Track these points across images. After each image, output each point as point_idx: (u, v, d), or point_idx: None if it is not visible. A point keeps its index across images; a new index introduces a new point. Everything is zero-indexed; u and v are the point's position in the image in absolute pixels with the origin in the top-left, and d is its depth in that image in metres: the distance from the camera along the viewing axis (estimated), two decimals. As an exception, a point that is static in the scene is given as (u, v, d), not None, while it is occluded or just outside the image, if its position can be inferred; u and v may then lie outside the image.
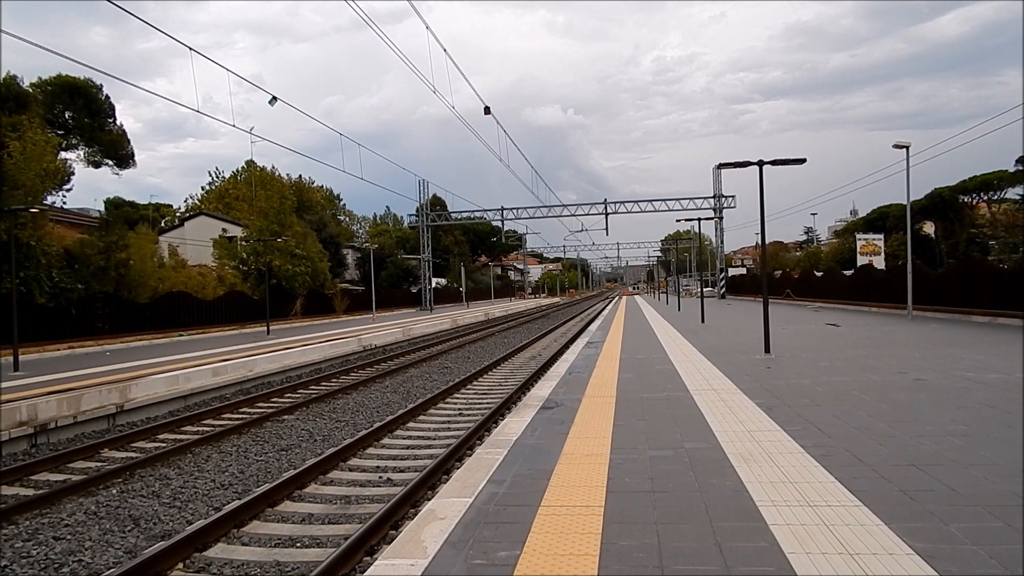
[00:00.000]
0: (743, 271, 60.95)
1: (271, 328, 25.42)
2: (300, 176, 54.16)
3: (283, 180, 48.54)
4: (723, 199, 45.24)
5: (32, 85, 33.78)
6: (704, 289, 32.57)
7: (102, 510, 6.20)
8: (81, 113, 35.17)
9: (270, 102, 15.21)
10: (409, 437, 9.13)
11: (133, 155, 38.09)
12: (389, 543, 4.04)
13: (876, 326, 18.41)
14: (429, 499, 5.37)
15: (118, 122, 37.63)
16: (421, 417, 10.32)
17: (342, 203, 62.69)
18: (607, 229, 50.75)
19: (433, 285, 51.66)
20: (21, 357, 14.22)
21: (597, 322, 25.87)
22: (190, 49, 11.31)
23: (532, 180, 57.76)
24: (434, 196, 57.80)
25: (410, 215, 54.92)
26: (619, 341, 15.85)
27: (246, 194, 45.64)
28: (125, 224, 28.13)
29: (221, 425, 10.02)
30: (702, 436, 5.84)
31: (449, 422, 9.95)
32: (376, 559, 3.62)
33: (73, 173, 32.72)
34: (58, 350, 19.75)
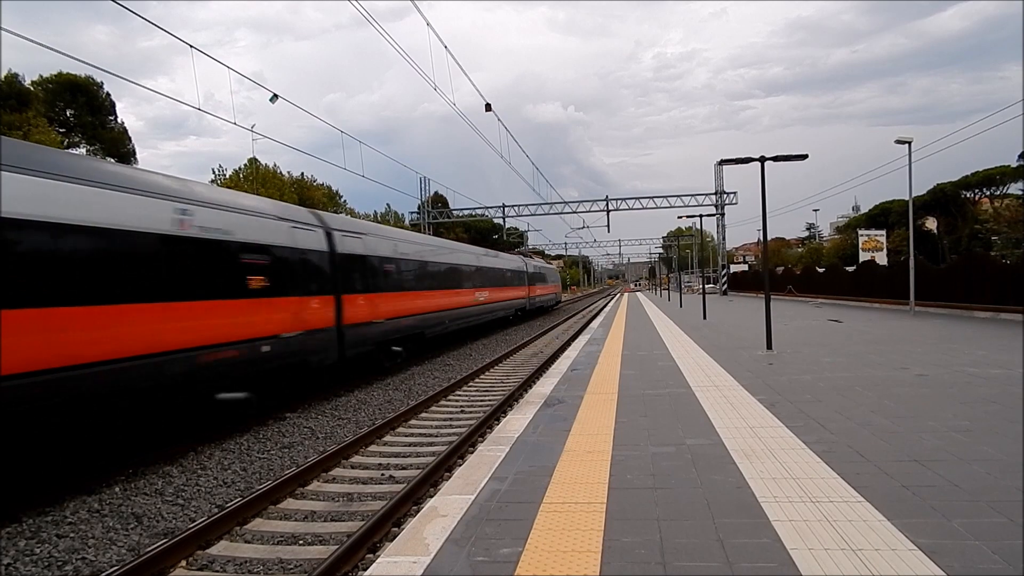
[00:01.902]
0: (745, 267, 60.82)
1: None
2: (302, 174, 54.17)
3: (283, 178, 48.55)
4: (725, 195, 45.09)
5: (33, 83, 33.83)
6: (706, 285, 32.51)
7: (105, 508, 6.21)
8: (82, 111, 35.24)
9: (271, 99, 15.14)
10: (411, 434, 9.14)
11: (135, 152, 38.24)
12: (392, 540, 4.05)
13: (878, 322, 18.37)
14: (431, 496, 5.38)
15: (119, 120, 37.72)
16: (423, 414, 10.33)
17: (343, 200, 62.63)
18: (608, 226, 50.72)
19: (435, 282, 51.46)
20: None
21: (599, 319, 25.86)
22: (191, 47, 11.27)
23: (533, 177, 57.72)
24: (435, 193, 57.79)
25: (412, 212, 54.91)
26: (621, 338, 15.84)
27: (248, 192, 45.62)
28: None
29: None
30: (704, 432, 5.83)
31: (451, 419, 9.96)
32: (379, 556, 3.63)
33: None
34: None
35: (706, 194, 45.38)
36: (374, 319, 13.88)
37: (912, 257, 20.89)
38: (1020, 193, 44.32)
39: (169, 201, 8.18)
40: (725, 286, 48.43)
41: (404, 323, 15.66)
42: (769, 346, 12.07)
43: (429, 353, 18.07)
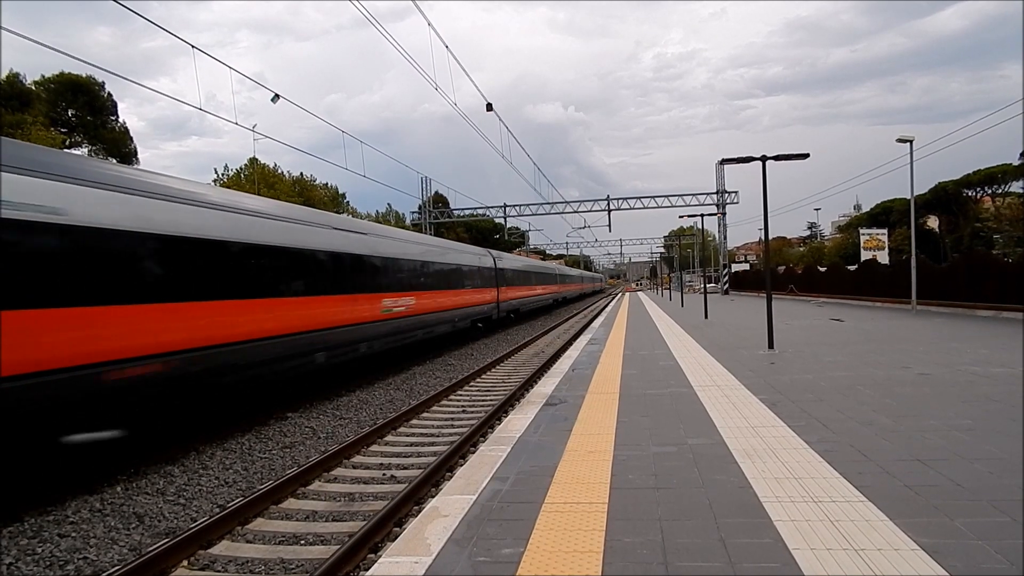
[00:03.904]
0: (746, 267, 60.76)
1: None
2: (301, 174, 54.22)
3: (284, 178, 48.59)
4: (726, 195, 45.05)
5: (35, 83, 33.86)
6: (707, 285, 32.49)
7: (107, 507, 6.22)
8: (84, 111, 35.24)
9: (273, 99, 15.15)
10: (413, 434, 9.14)
11: (136, 153, 38.22)
12: (393, 540, 4.04)
13: (880, 321, 18.35)
14: (433, 496, 5.39)
15: (120, 120, 37.74)
16: (424, 414, 10.33)
17: (346, 201, 62.64)
18: (610, 225, 50.75)
19: (436, 282, 51.64)
20: None
21: (600, 319, 25.85)
22: (193, 47, 11.25)
23: (534, 177, 57.51)
24: (436, 193, 57.73)
25: (412, 212, 54.90)
26: (622, 337, 15.83)
27: (250, 192, 45.70)
28: None
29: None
30: (706, 432, 5.83)
31: (452, 419, 9.95)
32: (380, 556, 3.62)
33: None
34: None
35: (707, 193, 45.34)
36: (505, 300, 27.28)
37: (914, 256, 20.86)
38: (1022, 191, 44.25)
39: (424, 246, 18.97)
40: (726, 285, 48.38)
41: (513, 304, 29.60)
42: (771, 345, 12.05)
43: (434, 351, 18.11)
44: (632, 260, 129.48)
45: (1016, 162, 43.92)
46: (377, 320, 13.41)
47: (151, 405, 7.59)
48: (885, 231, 37.39)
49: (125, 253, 7.28)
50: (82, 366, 6.53)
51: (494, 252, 27.85)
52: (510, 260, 31.08)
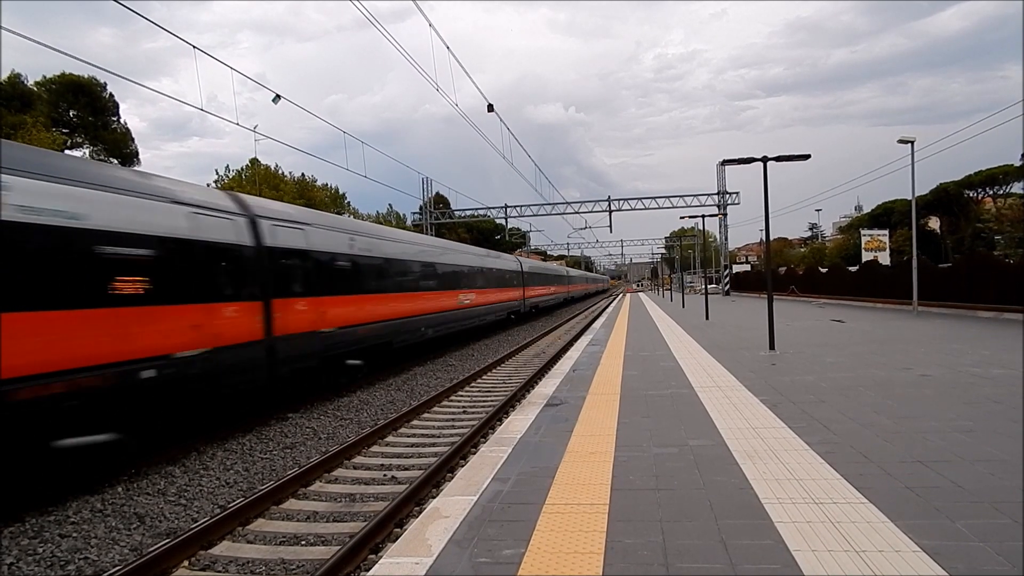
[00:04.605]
0: (747, 268, 60.75)
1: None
2: (303, 174, 54.25)
3: (287, 180, 48.65)
4: (727, 195, 45.02)
5: (36, 84, 33.88)
6: (708, 286, 32.47)
7: (108, 508, 6.22)
8: (85, 112, 35.26)
9: (274, 100, 15.13)
10: (413, 435, 9.14)
11: (137, 153, 38.22)
12: (394, 541, 4.04)
13: (881, 322, 18.34)
14: (434, 497, 5.39)
15: (122, 120, 37.75)
16: (425, 415, 10.33)
17: (347, 202, 62.56)
18: (611, 226, 50.65)
19: (438, 283, 51.84)
20: None
21: (601, 319, 25.85)
22: (195, 48, 11.26)
23: (535, 177, 57.35)
24: (437, 194, 57.68)
25: (414, 213, 54.85)
26: (623, 338, 15.83)
27: (251, 192, 45.73)
28: None
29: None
30: (707, 433, 5.83)
31: (453, 420, 9.95)
32: (381, 557, 3.63)
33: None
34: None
35: (708, 194, 45.29)
36: (574, 293, 57.41)
37: (915, 257, 20.84)
38: (1023, 192, 44.22)
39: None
40: (727, 286, 48.35)
41: (574, 295, 57.28)
42: (772, 346, 12.05)
43: (436, 352, 18.12)
44: (633, 261, 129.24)
45: (1017, 163, 43.88)
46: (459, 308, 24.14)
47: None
48: (886, 232, 37.38)
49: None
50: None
51: (521, 259, 36.12)
52: (531, 264, 38.82)
